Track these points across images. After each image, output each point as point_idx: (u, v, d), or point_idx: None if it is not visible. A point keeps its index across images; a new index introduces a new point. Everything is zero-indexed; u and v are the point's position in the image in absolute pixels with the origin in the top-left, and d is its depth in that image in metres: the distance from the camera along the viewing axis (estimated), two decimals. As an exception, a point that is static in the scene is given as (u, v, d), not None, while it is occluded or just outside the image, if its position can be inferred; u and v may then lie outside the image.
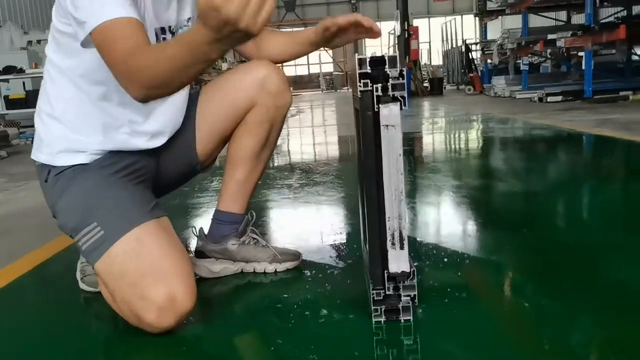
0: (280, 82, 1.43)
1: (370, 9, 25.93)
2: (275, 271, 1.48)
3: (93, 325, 1.32)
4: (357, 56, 1.06)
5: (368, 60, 1.05)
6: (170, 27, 1.30)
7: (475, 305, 1.21)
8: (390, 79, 1.05)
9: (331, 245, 1.71)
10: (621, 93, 7.13)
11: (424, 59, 19.37)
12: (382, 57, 1.06)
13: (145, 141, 1.33)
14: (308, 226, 2.00)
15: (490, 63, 12.29)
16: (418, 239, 1.70)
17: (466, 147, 4.23)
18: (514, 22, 12.53)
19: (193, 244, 1.61)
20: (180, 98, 1.39)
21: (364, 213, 1.22)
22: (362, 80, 1.06)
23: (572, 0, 10.27)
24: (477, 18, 16.95)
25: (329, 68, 26.28)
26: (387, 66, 1.05)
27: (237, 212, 1.48)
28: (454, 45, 16.69)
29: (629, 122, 4.59)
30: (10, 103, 7.39)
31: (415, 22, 17.46)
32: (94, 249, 1.17)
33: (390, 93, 1.06)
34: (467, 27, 22.20)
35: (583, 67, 7.53)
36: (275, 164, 3.57)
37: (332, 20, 1.35)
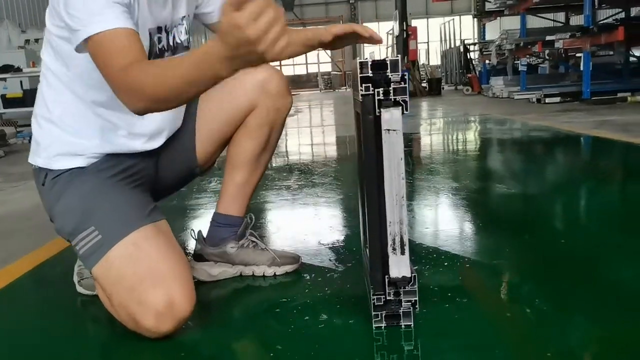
0: (280, 84, 1.42)
1: (368, 9, 25.90)
2: (274, 275, 1.47)
3: (90, 329, 1.31)
4: (358, 60, 1.05)
5: (370, 64, 1.04)
6: (165, 26, 1.28)
7: (476, 311, 1.20)
8: (392, 83, 1.04)
9: (330, 248, 1.70)
10: (619, 94, 7.14)
11: (422, 59, 19.39)
12: (384, 60, 1.05)
13: (142, 143, 1.31)
14: (307, 228, 1.98)
15: (489, 64, 12.30)
16: (418, 242, 1.70)
17: (465, 148, 4.22)
18: (512, 23, 12.53)
19: (191, 246, 1.60)
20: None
21: (364, 217, 1.21)
22: (363, 84, 1.05)
23: (571, 2, 10.29)
24: (475, 19, 16.94)
25: (327, 68, 26.28)
26: (388, 70, 1.04)
27: (236, 215, 1.47)
28: (453, 46, 16.70)
29: (627, 124, 4.59)
30: (8, 102, 7.36)
31: (414, 23, 17.48)
32: (91, 253, 1.16)
33: (392, 97, 1.05)
34: (466, 28, 22.17)
35: (581, 69, 7.53)
36: (274, 165, 3.56)
37: (328, 32, 1.33)
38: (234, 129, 1.44)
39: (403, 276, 1.09)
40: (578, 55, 9.90)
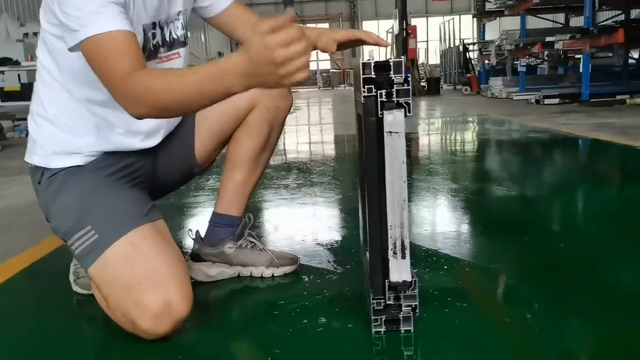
0: (281, 83, 1.40)
1: (368, 7, 25.85)
2: (273, 276, 1.46)
3: (86, 330, 1.29)
4: (361, 61, 1.04)
5: (372, 65, 1.03)
6: (159, 21, 1.26)
7: (476, 315, 1.19)
8: (394, 85, 1.03)
9: (329, 249, 1.69)
10: (618, 97, 7.15)
11: (421, 59, 19.36)
12: (387, 62, 1.03)
13: (140, 141, 1.29)
14: (305, 229, 1.97)
15: (488, 64, 12.29)
16: (417, 244, 1.68)
17: (463, 149, 4.22)
18: (512, 23, 12.53)
19: (189, 245, 1.58)
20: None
21: (365, 220, 1.20)
22: (366, 86, 1.03)
23: (571, 3, 10.29)
24: (475, 18, 16.94)
25: (326, 65, 26.24)
26: (391, 72, 1.03)
27: (234, 215, 1.46)
28: (452, 45, 16.70)
29: (625, 127, 4.59)
30: (5, 95, 7.33)
31: (413, 21, 17.45)
32: (87, 252, 1.15)
33: (395, 99, 1.03)
34: (465, 27, 22.16)
35: (580, 70, 7.53)
36: (272, 163, 3.54)
37: (332, 39, 1.32)
38: (234, 127, 1.42)
39: (403, 280, 1.08)
40: (577, 56, 9.92)
